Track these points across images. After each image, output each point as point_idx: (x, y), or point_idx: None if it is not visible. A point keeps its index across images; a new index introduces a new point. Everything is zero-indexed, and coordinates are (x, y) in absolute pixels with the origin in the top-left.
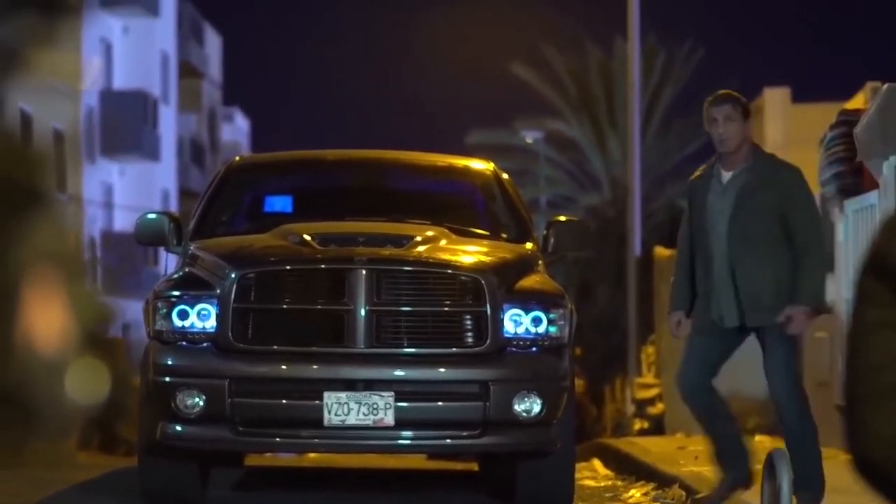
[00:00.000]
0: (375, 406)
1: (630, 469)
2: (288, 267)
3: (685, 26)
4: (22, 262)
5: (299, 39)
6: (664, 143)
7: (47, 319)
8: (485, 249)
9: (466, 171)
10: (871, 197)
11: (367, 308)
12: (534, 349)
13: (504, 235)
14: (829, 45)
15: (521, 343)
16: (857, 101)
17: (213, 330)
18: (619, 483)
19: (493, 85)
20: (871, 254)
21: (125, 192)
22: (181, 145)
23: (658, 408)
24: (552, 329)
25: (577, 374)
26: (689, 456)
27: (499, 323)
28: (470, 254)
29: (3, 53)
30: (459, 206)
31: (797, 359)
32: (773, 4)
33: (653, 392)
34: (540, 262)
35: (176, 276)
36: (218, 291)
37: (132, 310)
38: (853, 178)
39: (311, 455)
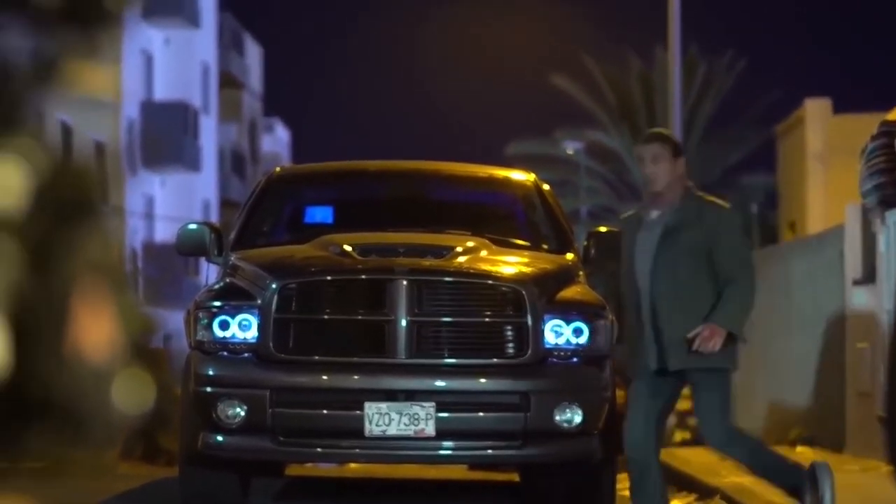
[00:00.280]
0: (416, 416)
1: (671, 480)
2: (329, 277)
3: (726, 37)
4: (68, 275)
5: (340, 51)
6: (705, 154)
7: (91, 330)
8: (525, 260)
9: (507, 182)
10: None
11: (408, 318)
12: (574, 360)
13: (545, 246)
14: (871, 56)
15: (562, 354)
16: None
17: (254, 340)
18: None
19: (533, 96)
20: None
21: (166, 203)
22: (222, 156)
23: None
24: (592, 339)
25: (618, 384)
26: (731, 467)
27: (540, 333)
28: (511, 264)
29: (43, 66)
30: (500, 217)
31: (729, 400)
32: (813, 16)
33: None
34: (580, 272)
35: (217, 286)
36: (259, 302)
37: (173, 320)
38: (894, 189)
39: (352, 465)
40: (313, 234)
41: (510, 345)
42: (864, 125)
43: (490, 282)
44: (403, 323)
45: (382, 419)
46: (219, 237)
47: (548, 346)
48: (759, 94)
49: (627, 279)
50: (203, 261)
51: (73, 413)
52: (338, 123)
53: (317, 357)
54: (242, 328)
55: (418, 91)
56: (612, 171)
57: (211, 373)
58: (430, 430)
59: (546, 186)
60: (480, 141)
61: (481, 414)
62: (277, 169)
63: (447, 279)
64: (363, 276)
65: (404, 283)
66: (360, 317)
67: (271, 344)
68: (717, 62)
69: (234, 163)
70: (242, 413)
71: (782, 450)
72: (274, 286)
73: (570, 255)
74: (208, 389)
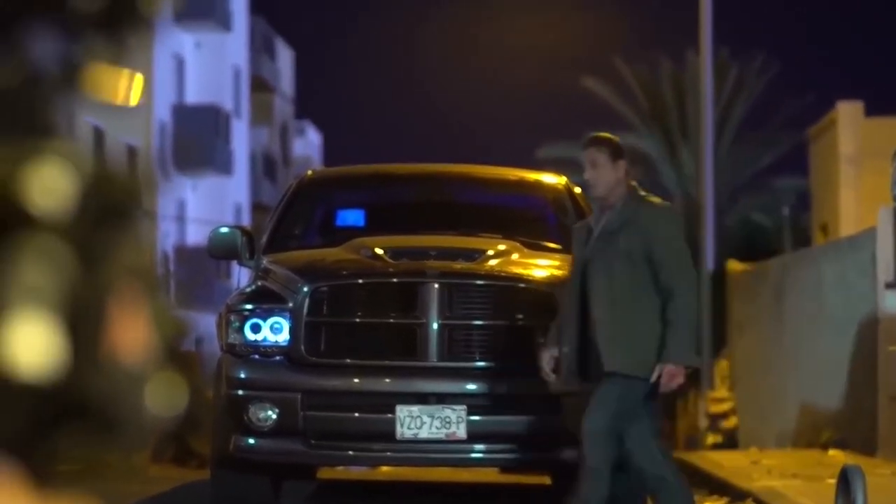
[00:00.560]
0: (448, 419)
1: (703, 483)
2: (360, 281)
3: (758, 39)
4: (103, 278)
5: (371, 54)
6: (737, 157)
7: (125, 333)
8: (557, 263)
9: (538, 185)
10: None
11: (440, 322)
12: None
13: None
14: None
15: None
16: None
17: (285, 343)
18: None
19: (564, 98)
20: None
21: (198, 207)
22: (253, 159)
23: (731, 422)
24: None
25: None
26: (763, 471)
27: None
28: (542, 267)
29: (73, 69)
30: (531, 220)
31: (629, 406)
32: (845, 19)
33: (726, 406)
34: None
35: (248, 289)
36: (290, 305)
37: (205, 323)
38: None
39: (384, 468)
40: (345, 237)
41: None
42: None
43: (521, 285)
44: (435, 326)
45: (414, 422)
46: (250, 240)
47: None
48: (791, 96)
49: (571, 287)
50: (235, 264)
51: (107, 416)
52: (369, 126)
53: (348, 360)
54: (274, 331)
55: (450, 93)
56: (643, 174)
57: (243, 376)
58: (462, 433)
59: (578, 189)
60: (512, 144)
61: (513, 417)
62: (309, 172)
63: (478, 282)
64: (394, 280)
65: (436, 286)
66: (391, 320)
67: (303, 347)
68: (748, 65)
69: (266, 166)
70: (274, 416)
71: (814, 453)
72: (305, 289)
73: None
74: (240, 393)
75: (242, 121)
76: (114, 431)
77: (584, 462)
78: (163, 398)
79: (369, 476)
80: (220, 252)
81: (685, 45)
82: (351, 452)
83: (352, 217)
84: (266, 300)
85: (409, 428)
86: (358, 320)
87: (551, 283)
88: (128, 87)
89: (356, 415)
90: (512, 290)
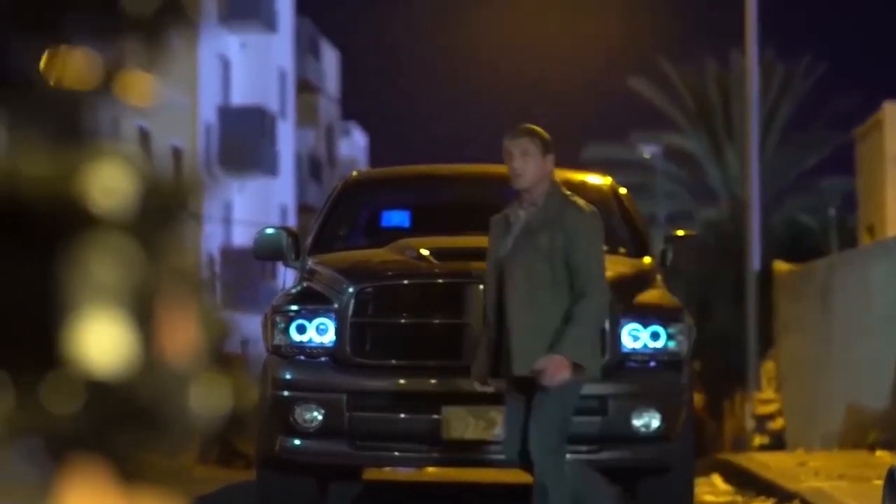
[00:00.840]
0: (493, 420)
1: (750, 485)
2: (405, 281)
3: (804, 39)
4: (154, 278)
5: (416, 54)
6: (783, 157)
7: (171, 335)
8: None
9: (583, 186)
10: None
11: None
12: (652, 364)
13: (621, 250)
14: None
15: (640, 358)
16: None
17: (330, 344)
18: (739, 499)
19: (609, 99)
20: None
21: (244, 208)
22: (299, 161)
23: (778, 423)
24: (671, 344)
25: (696, 389)
26: (810, 472)
27: (617, 337)
28: None
29: (117, 71)
30: None
31: (566, 423)
32: (892, 17)
33: (773, 407)
34: (658, 276)
35: (294, 290)
36: (336, 306)
37: (251, 325)
38: None
39: (430, 469)
40: (390, 237)
41: None
42: None
43: None
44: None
45: (459, 423)
46: (296, 241)
47: (625, 350)
48: (838, 96)
49: (488, 283)
50: (280, 265)
51: (153, 416)
52: (415, 127)
53: (394, 361)
54: (319, 332)
55: (495, 94)
56: (689, 175)
57: (288, 377)
58: None
59: (623, 190)
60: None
61: None
62: (354, 173)
63: None
64: (440, 280)
65: (481, 287)
66: (436, 321)
67: (348, 348)
68: (794, 66)
69: (311, 167)
70: (320, 417)
71: (861, 454)
72: (351, 290)
73: (647, 259)
74: (285, 393)
75: (288, 122)
76: (159, 432)
77: (540, 487)
78: (207, 399)
79: (415, 477)
80: (266, 253)
81: (731, 46)
82: (396, 453)
83: (397, 218)
84: (311, 301)
85: (454, 429)
86: (403, 321)
87: None
88: (144, 89)
89: (401, 415)
90: None
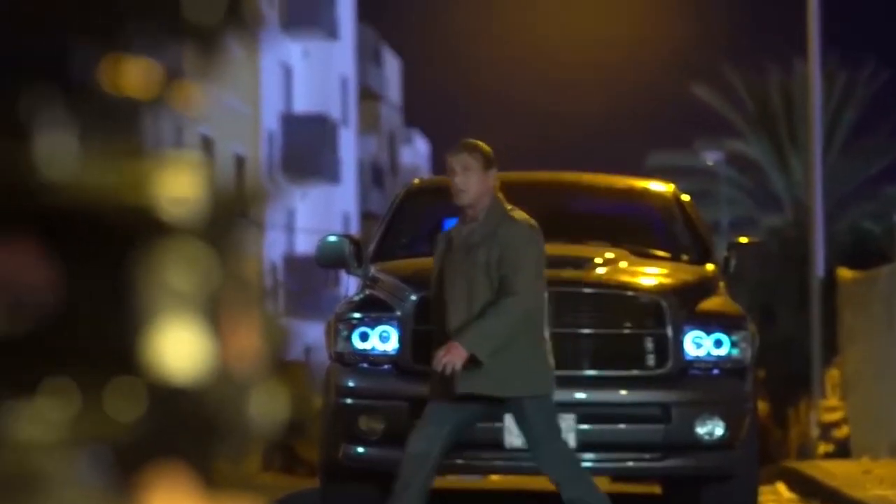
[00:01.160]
0: None
1: (814, 493)
2: None
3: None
4: (218, 286)
5: (478, 62)
6: (846, 163)
7: (233, 342)
8: (665, 271)
9: (646, 193)
10: None
11: (548, 330)
12: (715, 371)
13: (684, 257)
14: None
15: (703, 365)
16: None
17: (393, 352)
18: None
19: (673, 106)
20: None
21: (307, 216)
22: (361, 168)
23: (843, 431)
24: (734, 351)
25: (760, 396)
26: (875, 480)
27: (680, 345)
28: (650, 275)
29: (174, 80)
30: (639, 228)
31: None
32: None
33: (837, 415)
34: (721, 283)
35: (356, 298)
36: (398, 313)
37: (314, 332)
38: None
39: (494, 477)
40: None
41: (650, 356)
42: None
43: (629, 293)
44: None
45: None
46: (358, 249)
47: (688, 357)
48: None
49: (434, 301)
50: (343, 273)
51: (217, 422)
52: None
53: None
54: (382, 340)
55: (558, 101)
56: (752, 182)
57: (351, 385)
58: (571, 441)
59: (686, 197)
60: (620, 152)
61: (622, 426)
62: (416, 181)
63: (586, 290)
64: None
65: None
66: None
67: (410, 355)
68: (857, 73)
69: (374, 175)
70: (383, 425)
71: None
72: (413, 297)
73: (710, 266)
74: (349, 401)
75: (350, 129)
76: (222, 438)
77: (563, 492)
78: (268, 406)
79: (480, 485)
80: (329, 261)
81: (794, 52)
82: (459, 461)
83: None
84: (374, 309)
85: (517, 437)
86: None
87: (660, 291)
88: (198, 98)
89: None
90: (619, 299)
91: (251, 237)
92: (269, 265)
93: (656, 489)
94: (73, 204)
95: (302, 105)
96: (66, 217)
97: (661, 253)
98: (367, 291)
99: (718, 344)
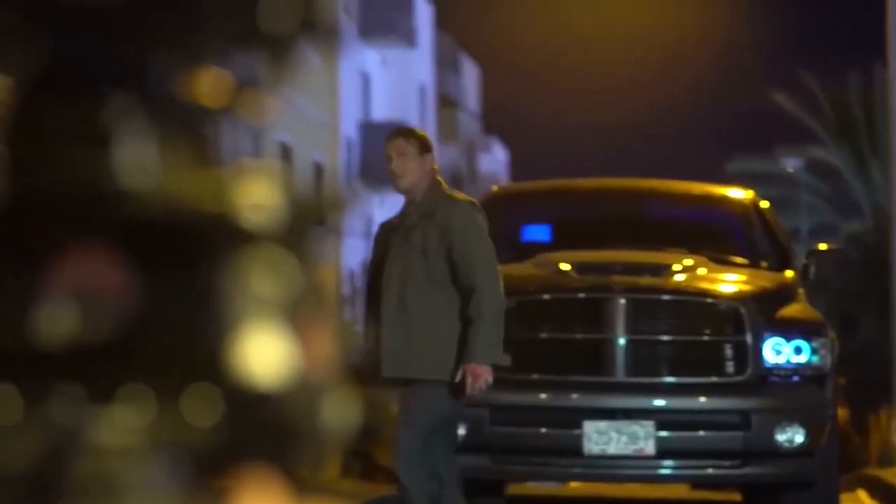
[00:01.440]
0: (636, 435)
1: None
2: (546, 296)
3: None
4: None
5: (556, 69)
6: None
7: (309, 348)
8: (744, 278)
9: (724, 200)
10: None
11: (627, 337)
12: (795, 378)
13: (763, 264)
14: None
15: (783, 372)
16: None
17: None
18: None
19: (753, 112)
20: None
21: None
22: None
23: None
24: (814, 358)
25: (840, 403)
26: None
27: (759, 352)
28: (729, 282)
29: (246, 89)
30: (718, 235)
31: (435, 415)
32: None
33: None
34: (800, 290)
35: None
36: None
37: None
38: None
39: (572, 484)
40: (531, 252)
41: (729, 363)
42: None
43: (708, 300)
44: (622, 342)
45: (601, 438)
46: None
47: (768, 364)
48: None
49: (371, 286)
50: None
51: (296, 429)
52: (555, 142)
53: (535, 375)
54: None
55: (638, 109)
56: (832, 188)
57: None
58: (650, 448)
59: (765, 203)
60: (701, 158)
61: (701, 433)
62: (495, 188)
63: (665, 297)
64: (581, 295)
65: (622, 301)
66: (577, 335)
67: None
68: None
69: (453, 183)
70: (462, 431)
71: None
72: None
73: (789, 273)
74: None
75: None
76: (300, 444)
77: (400, 487)
78: (342, 412)
79: (559, 492)
80: None
81: (874, 59)
82: (538, 468)
83: (538, 232)
84: None
85: (596, 444)
86: (544, 336)
87: (739, 298)
88: (268, 107)
89: (543, 430)
90: (698, 305)
91: (329, 244)
92: (346, 272)
93: (736, 496)
94: (154, 212)
95: (380, 113)
96: (146, 225)
97: (739, 260)
98: None
99: (798, 351)
